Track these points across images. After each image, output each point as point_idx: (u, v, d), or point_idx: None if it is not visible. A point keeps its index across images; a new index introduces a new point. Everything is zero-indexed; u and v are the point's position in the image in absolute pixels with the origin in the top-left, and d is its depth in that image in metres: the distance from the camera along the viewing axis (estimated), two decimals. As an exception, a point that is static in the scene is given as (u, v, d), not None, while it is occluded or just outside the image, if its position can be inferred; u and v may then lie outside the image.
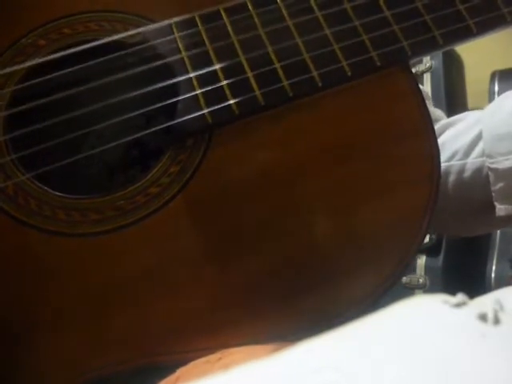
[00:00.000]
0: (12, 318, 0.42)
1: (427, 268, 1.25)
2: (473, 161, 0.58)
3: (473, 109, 0.64)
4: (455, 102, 1.37)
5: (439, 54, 1.36)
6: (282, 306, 0.43)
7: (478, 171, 0.58)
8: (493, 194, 0.56)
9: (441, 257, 1.24)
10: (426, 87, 1.35)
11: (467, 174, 0.59)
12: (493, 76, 1.34)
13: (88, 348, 0.42)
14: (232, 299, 0.43)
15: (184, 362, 0.40)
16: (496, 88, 1.31)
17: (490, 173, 0.56)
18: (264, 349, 0.39)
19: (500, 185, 0.56)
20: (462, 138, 0.60)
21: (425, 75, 1.36)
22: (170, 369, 0.39)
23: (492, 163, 0.56)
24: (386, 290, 0.43)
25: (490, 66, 1.35)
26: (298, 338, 0.40)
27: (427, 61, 1.37)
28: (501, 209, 0.56)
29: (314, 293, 0.43)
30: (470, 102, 1.42)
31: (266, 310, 0.43)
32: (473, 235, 0.72)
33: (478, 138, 0.58)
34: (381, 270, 0.44)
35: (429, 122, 0.47)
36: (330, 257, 0.44)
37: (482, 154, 0.57)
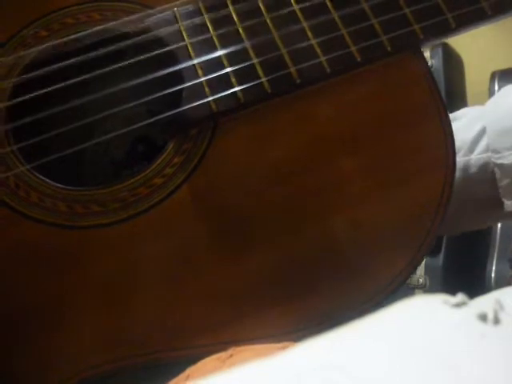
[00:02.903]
0: (11, 312, 0.41)
1: (427, 268, 1.25)
2: (477, 157, 0.57)
3: (473, 109, 0.63)
4: (455, 102, 1.36)
5: (439, 53, 1.36)
6: (284, 303, 0.42)
7: (484, 167, 0.57)
8: (500, 191, 0.55)
9: (441, 256, 1.24)
10: (426, 87, 1.34)
11: (472, 170, 0.57)
12: (493, 76, 1.33)
13: (87, 344, 0.41)
14: (233, 295, 0.42)
15: (185, 360, 0.40)
16: (496, 88, 1.31)
17: (495, 168, 0.55)
18: (273, 347, 0.39)
19: (507, 180, 0.54)
20: (464, 135, 0.59)
21: (425, 75, 1.35)
22: (178, 368, 0.39)
23: (498, 158, 0.55)
24: (398, 286, 0.42)
25: (490, 66, 1.35)
26: (300, 336, 0.40)
27: (427, 60, 1.37)
28: (509, 205, 0.54)
29: (319, 290, 0.42)
30: (470, 102, 1.42)
31: (268, 307, 0.42)
32: (477, 228, 0.70)
33: (482, 133, 0.57)
34: (391, 268, 0.42)
35: (442, 106, 0.46)
36: (342, 252, 0.43)
37: (487, 150, 0.56)
